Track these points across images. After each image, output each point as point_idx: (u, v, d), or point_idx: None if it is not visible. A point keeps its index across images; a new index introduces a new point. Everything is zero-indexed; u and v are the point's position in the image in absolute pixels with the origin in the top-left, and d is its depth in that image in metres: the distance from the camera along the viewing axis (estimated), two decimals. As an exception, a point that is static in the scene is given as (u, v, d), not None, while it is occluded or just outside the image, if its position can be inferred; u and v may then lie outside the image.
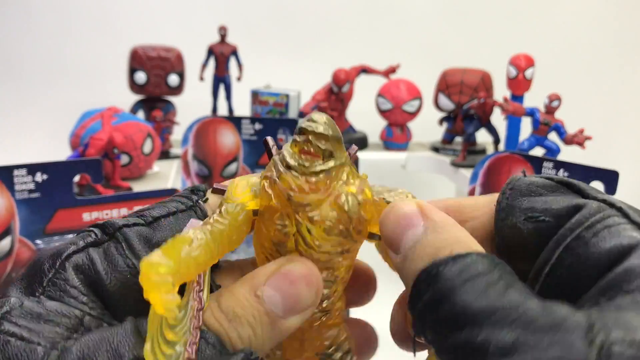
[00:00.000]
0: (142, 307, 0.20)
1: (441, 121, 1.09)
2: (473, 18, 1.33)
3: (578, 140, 0.81)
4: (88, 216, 0.56)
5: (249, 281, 0.22)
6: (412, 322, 0.20)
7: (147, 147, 0.84)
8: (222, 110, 1.11)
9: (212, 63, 1.07)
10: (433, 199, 0.24)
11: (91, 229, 0.23)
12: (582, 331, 0.16)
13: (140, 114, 1.01)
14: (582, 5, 1.36)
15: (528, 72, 0.92)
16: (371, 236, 0.23)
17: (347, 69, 1.03)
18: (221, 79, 1.08)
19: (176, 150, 1.00)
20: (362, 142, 1.08)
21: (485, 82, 1.04)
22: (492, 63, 1.06)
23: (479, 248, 0.20)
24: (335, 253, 0.22)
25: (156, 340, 0.19)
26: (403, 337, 0.24)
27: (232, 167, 0.80)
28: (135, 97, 1.02)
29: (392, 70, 1.09)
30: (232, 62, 1.08)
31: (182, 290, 0.20)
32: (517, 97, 0.94)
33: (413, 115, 1.07)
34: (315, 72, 1.13)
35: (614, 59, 1.36)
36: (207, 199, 0.25)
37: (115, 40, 1.18)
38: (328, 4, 1.30)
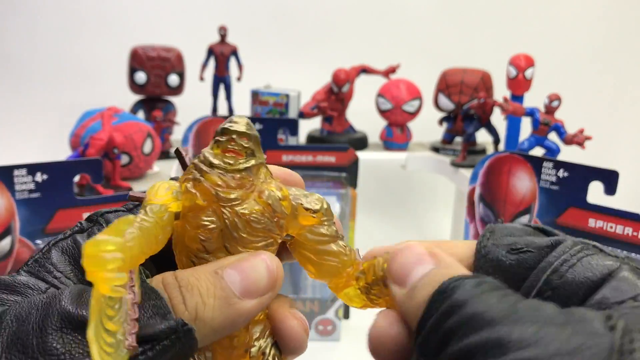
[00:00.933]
0: None
1: (441, 121, 1.09)
2: (473, 18, 1.33)
3: (578, 140, 0.81)
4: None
5: (211, 264, 0.22)
6: (417, 343, 0.20)
7: (147, 147, 0.84)
8: (222, 111, 1.11)
9: (212, 63, 1.07)
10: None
11: (79, 221, 0.25)
12: (601, 320, 0.16)
13: (140, 114, 1.01)
14: (582, 5, 1.35)
15: (528, 72, 0.92)
16: (287, 236, 0.25)
17: (347, 69, 1.03)
18: (221, 79, 1.08)
19: (176, 150, 1.00)
20: (362, 142, 1.08)
21: (485, 82, 1.04)
22: (492, 63, 1.06)
23: None
24: (259, 246, 0.23)
25: (99, 327, 0.18)
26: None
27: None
28: (135, 97, 1.02)
29: (392, 70, 1.09)
30: (232, 62, 1.08)
31: None
32: (517, 97, 0.94)
33: (413, 115, 1.07)
34: (315, 72, 1.13)
35: (614, 59, 1.36)
36: None
37: (115, 40, 1.18)
38: (328, 4, 1.30)
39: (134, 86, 0.99)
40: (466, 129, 1.01)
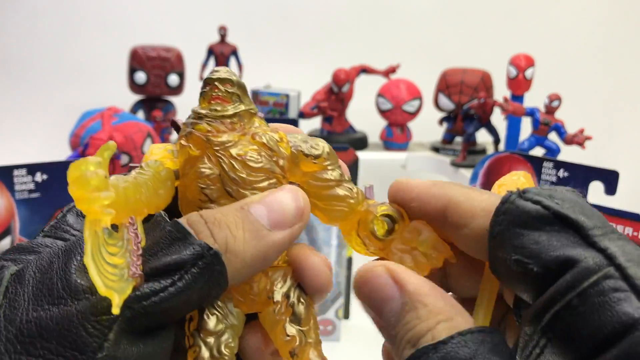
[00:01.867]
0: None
1: (441, 121, 1.09)
2: (473, 18, 1.33)
3: (578, 140, 0.81)
4: (88, 216, 0.56)
5: (236, 203, 0.22)
6: None
7: (147, 147, 0.84)
8: (222, 110, 1.11)
9: (212, 63, 1.07)
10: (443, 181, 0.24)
11: None
12: None
13: (140, 114, 1.01)
14: (582, 5, 1.35)
15: (528, 72, 0.92)
16: (290, 183, 0.24)
17: (347, 69, 1.03)
18: (221, 79, 1.08)
19: (176, 150, 1.00)
20: (362, 142, 1.08)
21: (485, 82, 1.04)
22: (492, 63, 1.06)
23: (462, 318, 0.19)
24: (263, 186, 0.22)
25: (97, 256, 0.18)
26: None
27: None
28: (135, 97, 1.02)
29: (392, 70, 1.09)
30: (232, 62, 1.08)
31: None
32: (517, 97, 0.94)
33: (413, 115, 1.07)
34: (315, 72, 1.13)
35: (614, 59, 1.36)
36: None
37: (115, 40, 1.18)
38: (328, 4, 1.30)
39: (134, 86, 0.99)
40: (466, 129, 1.01)
